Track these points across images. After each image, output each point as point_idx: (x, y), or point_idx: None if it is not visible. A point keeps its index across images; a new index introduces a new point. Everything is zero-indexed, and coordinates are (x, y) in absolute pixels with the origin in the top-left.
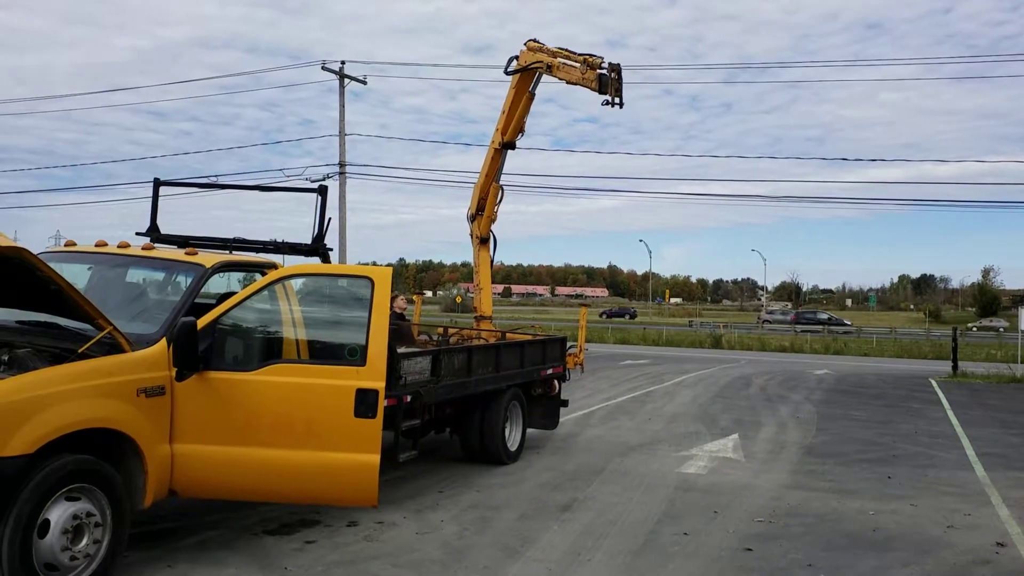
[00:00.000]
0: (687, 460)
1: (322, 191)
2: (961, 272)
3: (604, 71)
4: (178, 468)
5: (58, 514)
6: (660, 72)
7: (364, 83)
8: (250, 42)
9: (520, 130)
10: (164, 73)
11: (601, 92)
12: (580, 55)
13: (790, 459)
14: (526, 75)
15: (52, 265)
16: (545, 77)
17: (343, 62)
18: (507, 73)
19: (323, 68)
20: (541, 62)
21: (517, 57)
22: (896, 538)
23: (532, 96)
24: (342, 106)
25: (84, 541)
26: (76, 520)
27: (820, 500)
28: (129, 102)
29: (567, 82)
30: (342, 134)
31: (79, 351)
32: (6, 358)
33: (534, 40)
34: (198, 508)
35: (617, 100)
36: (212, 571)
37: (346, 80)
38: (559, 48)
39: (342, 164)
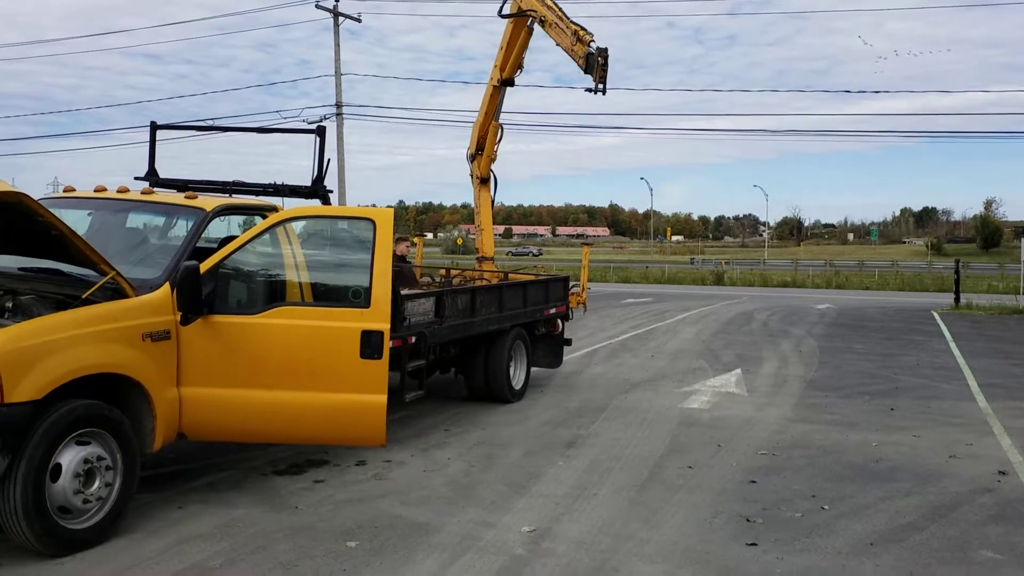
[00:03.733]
0: (690, 395)
1: (320, 132)
2: (964, 205)
3: (592, 52)
4: (186, 411)
5: (69, 458)
6: (662, 4)
7: (359, 21)
8: None
9: (519, 66)
10: (157, 14)
11: (586, 71)
12: (573, 24)
13: (792, 393)
14: (521, 17)
15: (52, 211)
16: (537, 29)
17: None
18: (501, 16)
19: (317, 7)
20: (535, 11)
21: None
22: (898, 469)
23: (531, 31)
24: (337, 45)
25: (96, 484)
26: (87, 464)
27: (823, 433)
28: (123, 45)
29: (556, 43)
30: (338, 74)
31: (83, 297)
32: (10, 305)
33: None
34: (207, 451)
35: (600, 87)
36: (222, 511)
37: (341, 18)
38: (554, 3)
39: (339, 105)
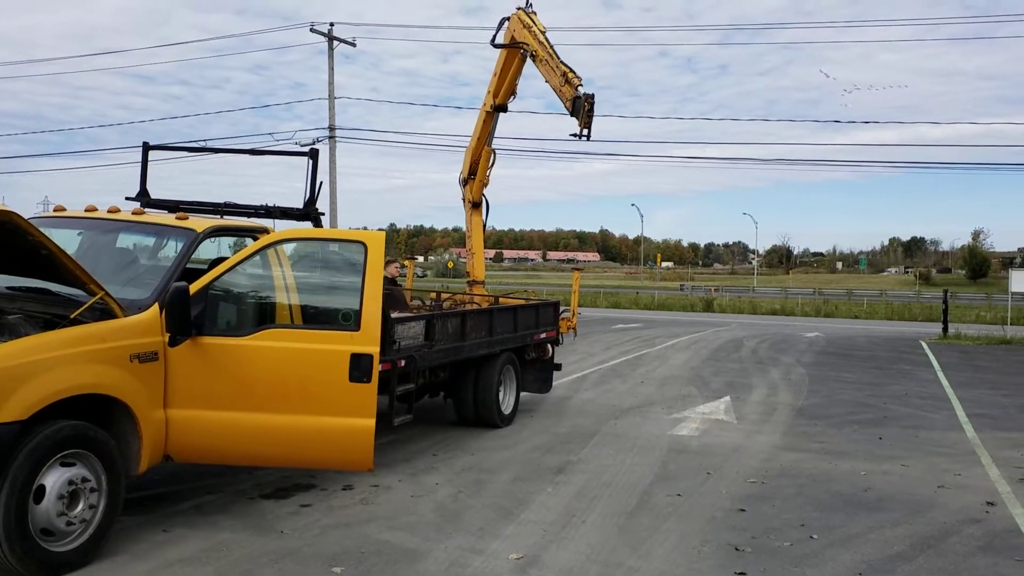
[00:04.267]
0: (680, 422)
1: (313, 155)
2: (952, 235)
3: (579, 96)
4: (173, 433)
5: (53, 479)
6: (656, 33)
7: (353, 45)
8: (239, 3)
9: (512, 93)
10: (152, 35)
11: (572, 114)
12: (564, 65)
13: (782, 421)
14: (513, 48)
15: (42, 230)
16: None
17: (332, 24)
18: (493, 45)
19: (312, 30)
20: (528, 45)
21: (508, 19)
22: (887, 498)
23: (524, 60)
24: (331, 69)
25: (80, 506)
26: (71, 485)
27: (812, 461)
28: (117, 65)
29: (545, 80)
30: (331, 97)
31: (71, 317)
32: None
33: (523, 10)
34: (193, 473)
35: (585, 132)
36: (208, 535)
37: (335, 42)
38: (546, 40)
39: (332, 128)
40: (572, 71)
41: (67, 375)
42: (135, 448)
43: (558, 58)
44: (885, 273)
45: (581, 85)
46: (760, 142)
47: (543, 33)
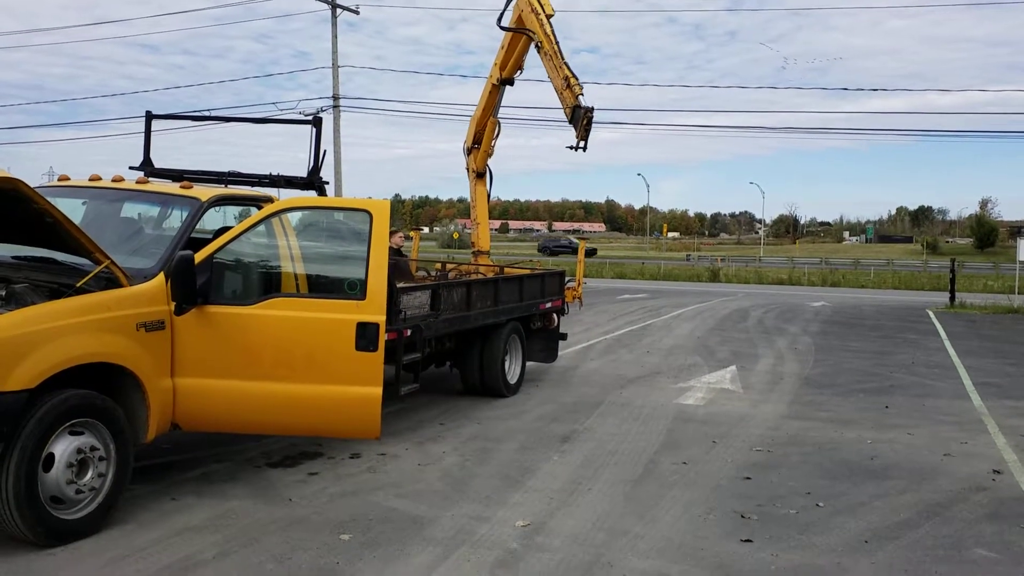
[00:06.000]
0: (685, 392)
1: (316, 123)
2: (959, 204)
3: (580, 107)
4: (180, 402)
5: (62, 448)
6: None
7: (356, 12)
8: None
9: (519, 68)
10: (155, 3)
11: (570, 122)
12: (567, 68)
13: (788, 390)
14: (519, 33)
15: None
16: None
17: None
18: (500, 27)
19: None
20: (535, 34)
21: None
22: (893, 466)
23: (530, 42)
24: (334, 37)
25: (89, 474)
26: (80, 454)
27: (818, 430)
28: (120, 35)
29: (548, 76)
30: (335, 66)
31: (77, 285)
32: (3, 293)
33: None
34: (201, 442)
35: (582, 144)
36: (216, 503)
37: (339, 10)
38: (552, 34)
39: (335, 97)
40: (575, 77)
41: (74, 344)
42: (143, 417)
43: (562, 57)
44: (847, 242)
45: (582, 95)
46: (767, 110)
47: (550, 20)
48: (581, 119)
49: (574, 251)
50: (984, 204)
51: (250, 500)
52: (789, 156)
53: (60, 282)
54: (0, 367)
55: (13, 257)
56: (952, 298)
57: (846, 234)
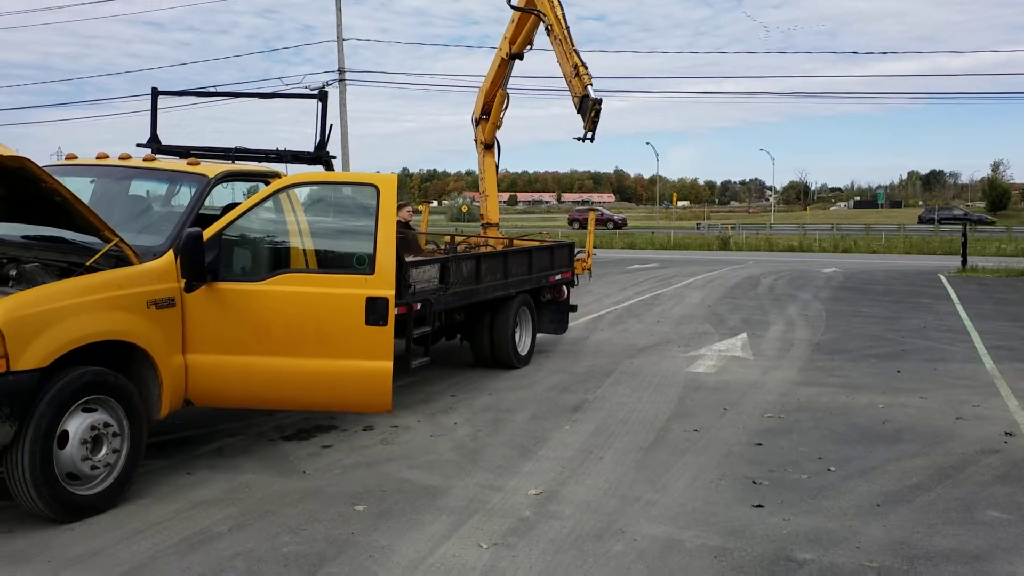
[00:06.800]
0: (696, 360)
1: (322, 96)
2: (971, 167)
3: (588, 97)
4: (192, 378)
5: (76, 425)
6: None
7: None
8: None
9: (528, 43)
10: None
11: (578, 112)
12: (577, 55)
13: (799, 356)
14: (528, 14)
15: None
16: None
17: None
18: (511, 7)
19: None
20: (545, 16)
21: None
22: (905, 430)
23: (539, 21)
24: (339, 9)
25: (103, 451)
26: (94, 430)
27: (829, 395)
28: (125, 12)
29: (557, 61)
30: (340, 39)
31: (87, 264)
32: (14, 273)
33: None
34: (215, 417)
35: (589, 135)
36: (230, 477)
37: None
38: (563, 17)
39: (341, 71)
40: (584, 66)
41: (85, 322)
42: (155, 393)
43: (572, 43)
44: (834, 208)
45: (591, 84)
46: (776, 76)
47: (561, 4)
48: (589, 110)
49: (610, 224)
50: (996, 167)
51: (264, 473)
52: (799, 122)
53: (70, 261)
54: (12, 346)
55: (23, 237)
56: (964, 262)
57: (841, 204)
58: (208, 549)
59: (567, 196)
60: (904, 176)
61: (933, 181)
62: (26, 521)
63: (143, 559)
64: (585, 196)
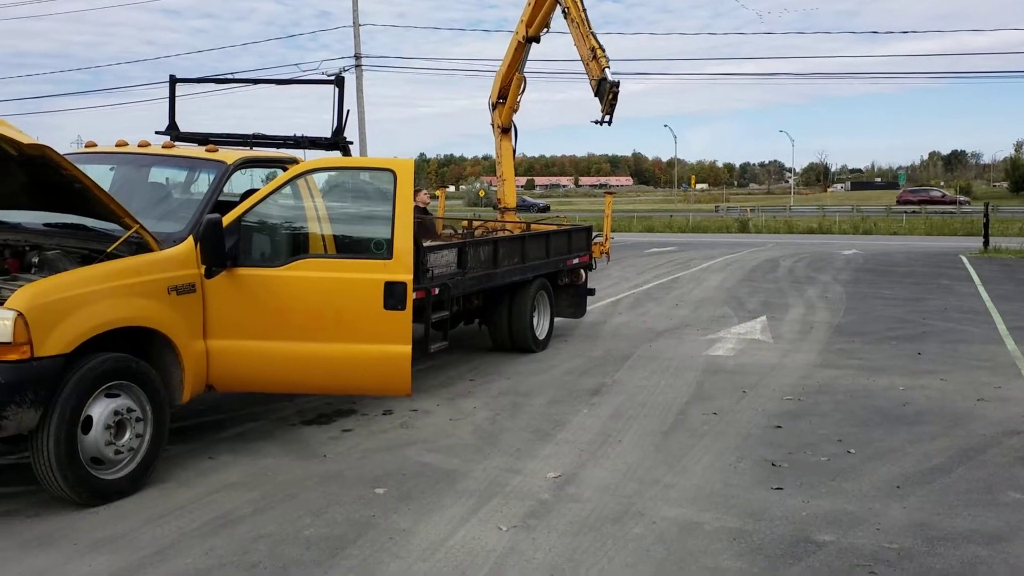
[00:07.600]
0: (715, 343)
1: (339, 82)
2: (994, 147)
3: (606, 79)
4: (213, 363)
5: (100, 410)
6: None
7: None
8: None
9: (545, 26)
10: None
11: (596, 95)
12: (594, 38)
13: (819, 339)
14: None
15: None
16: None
17: None
18: None
19: None
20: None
21: None
22: (926, 412)
23: (556, 3)
24: None
25: (127, 435)
26: (117, 416)
27: (849, 378)
28: (142, 0)
29: (574, 44)
30: (356, 24)
31: (107, 251)
32: (36, 260)
33: None
34: (236, 402)
35: (607, 119)
36: (252, 461)
37: None
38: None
39: (358, 56)
40: (602, 48)
41: (107, 309)
42: (177, 378)
43: (589, 26)
44: (833, 190)
45: (608, 67)
46: (796, 56)
47: None
48: (607, 93)
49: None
50: (1019, 146)
51: (286, 457)
52: (819, 103)
53: (91, 248)
54: (36, 333)
55: (44, 224)
56: (986, 243)
57: (838, 187)
58: (231, 532)
59: (585, 180)
60: (925, 156)
61: (955, 161)
62: (52, 505)
63: (167, 542)
64: (603, 180)
